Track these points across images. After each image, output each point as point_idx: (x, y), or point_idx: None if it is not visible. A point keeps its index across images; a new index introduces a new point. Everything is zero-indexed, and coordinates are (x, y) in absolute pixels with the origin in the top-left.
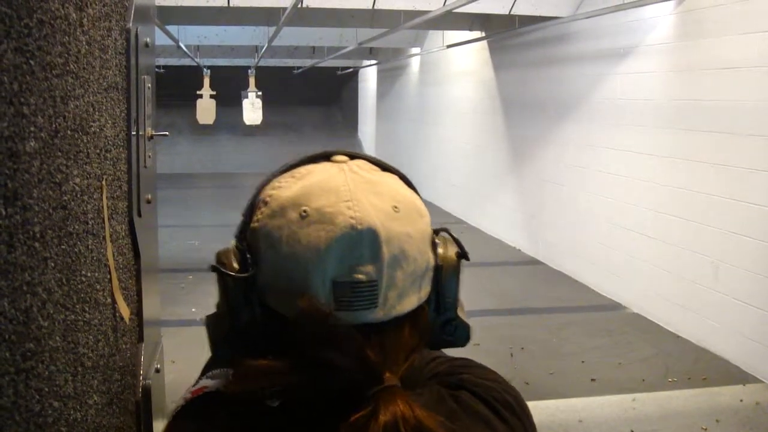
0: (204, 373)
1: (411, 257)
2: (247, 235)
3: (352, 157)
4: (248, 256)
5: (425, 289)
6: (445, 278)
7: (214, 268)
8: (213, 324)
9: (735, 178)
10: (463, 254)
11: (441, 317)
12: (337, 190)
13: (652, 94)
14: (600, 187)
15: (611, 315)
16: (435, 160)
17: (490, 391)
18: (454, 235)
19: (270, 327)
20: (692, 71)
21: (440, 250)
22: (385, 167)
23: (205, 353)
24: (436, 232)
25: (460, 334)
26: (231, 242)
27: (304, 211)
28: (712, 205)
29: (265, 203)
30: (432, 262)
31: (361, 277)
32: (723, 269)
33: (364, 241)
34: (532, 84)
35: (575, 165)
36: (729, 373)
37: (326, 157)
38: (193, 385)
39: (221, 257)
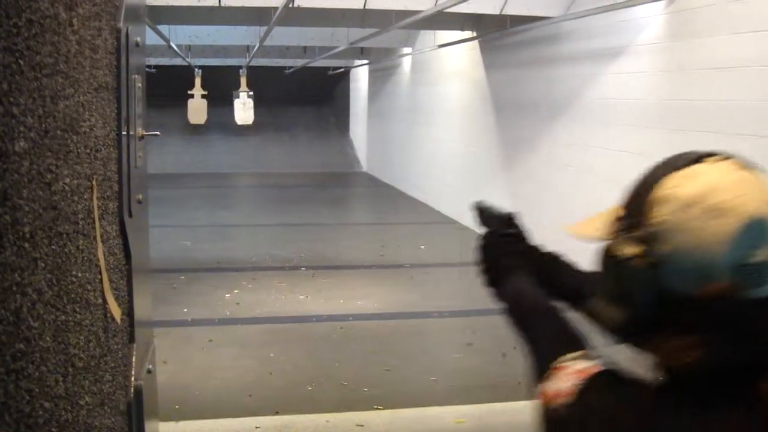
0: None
1: None
2: (644, 229)
3: (718, 157)
4: (648, 247)
5: None
6: None
7: (615, 259)
8: (604, 311)
9: None
10: None
11: None
12: (727, 188)
13: (643, 94)
14: (592, 187)
15: None
16: (427, 160)
17: None
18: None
19: (669, 309)
20: (683, 71)
21: None
22: (745, 164)
23: (197, 353)
24: None
25: None
26: (592, 224)
27: (706, 207)
28: None
29: (664, 201)
30: None
31: (757, 259)
32: None
33: (756, 229)
34: (523, 84)
35: (567, 165)
36: None
37: (698, 158)
38: (570, 367)
39: (615, 250)
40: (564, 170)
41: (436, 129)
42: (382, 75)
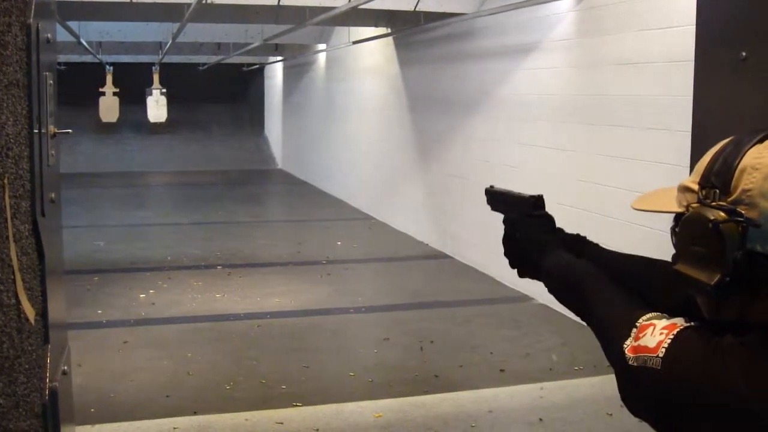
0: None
1: None
2: (733, 195)
3: None
4: (738, 212)
5: None
6: None
7: (706, 224)
8: (693, 274)
9: (638, 171)
10: None
11: None
12: None
13: (556, 89)
14: (506, 180)
15: (518, 306)
16: (342, 156)
17: None
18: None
19: (757, 269)
20: (594, 67)
21: None
22: None
23: (112, 355)
24: None
25: None
26: (680, 197)
27: None
28: (615, 197)
29: (752, 170)
30: None
31: None
32: None
33: None
34: (438, 80)
35: (481, 159)
36: None
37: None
38: (657, 324)
39: (704, 216)
40: (478, 164)
41: (351, 125)
42: (296, 71)
